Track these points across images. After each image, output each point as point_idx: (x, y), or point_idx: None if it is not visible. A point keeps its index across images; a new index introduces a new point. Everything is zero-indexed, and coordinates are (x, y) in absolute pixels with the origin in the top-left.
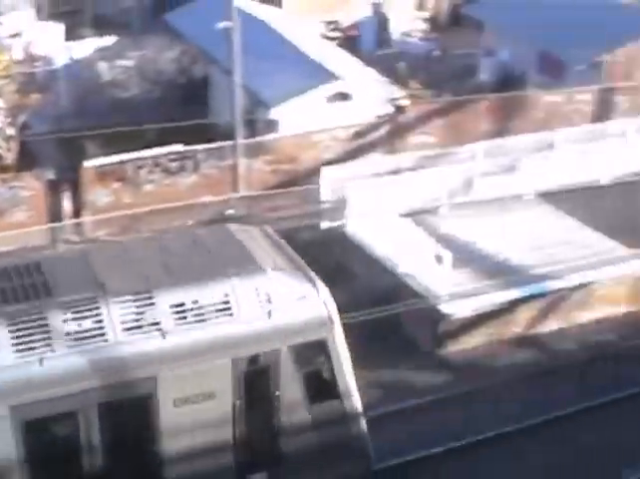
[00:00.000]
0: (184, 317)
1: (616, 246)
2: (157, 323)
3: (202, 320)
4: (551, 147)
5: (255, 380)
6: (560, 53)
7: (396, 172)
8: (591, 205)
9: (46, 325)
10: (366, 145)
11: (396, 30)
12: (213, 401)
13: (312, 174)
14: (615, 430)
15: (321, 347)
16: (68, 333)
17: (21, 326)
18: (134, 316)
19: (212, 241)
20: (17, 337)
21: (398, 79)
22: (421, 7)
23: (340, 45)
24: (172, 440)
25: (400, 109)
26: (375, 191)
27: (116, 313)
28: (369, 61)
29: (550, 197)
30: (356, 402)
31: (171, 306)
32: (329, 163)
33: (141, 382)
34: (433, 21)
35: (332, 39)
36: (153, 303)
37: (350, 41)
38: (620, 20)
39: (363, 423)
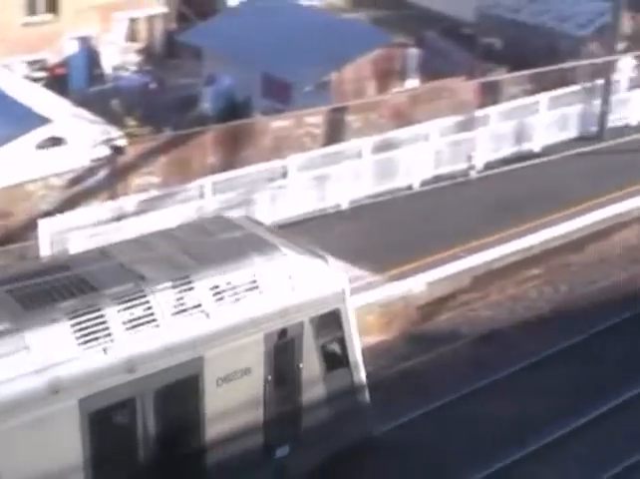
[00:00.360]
0: (221, 298)
1: (362, 274)
2: (199, 306)
3: (237, 300)
4: (285, 175)
5: (283, 354)
6: (285, 75)
7: (120, 217)
8: (332, 230)
9: (102, 316)
10: (85, 191)
11: (109, 65)
12: (249, 377)
13: (28, 228)
14: None
15: (336, 317)
16: (123, 322)
17: (81, 320)
18: (178, 301)
19: (221, 229)
20: (79, 330)
21: (113, 117)
22: (133, 38)
23: (47, 85)
24: (215, 419)
25: (118, 150)
26: (99, 239)
27: (162, 300)
28: (81, 100)
29: (290, 227)
30: (362, 369)
31: (210, 289)
32: (47, 214)
33: (190, 363)
34: (147, 52)
35: (37, 80)
36: (192, 287)
37: (58, 80)
38: (347, 36)
39: (366, 390)
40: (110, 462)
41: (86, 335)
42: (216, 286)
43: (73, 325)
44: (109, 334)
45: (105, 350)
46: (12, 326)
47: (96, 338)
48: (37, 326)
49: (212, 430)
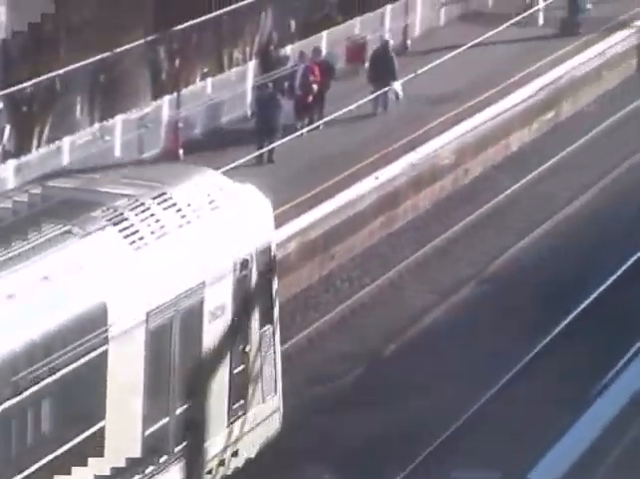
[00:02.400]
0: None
1: None
2: (189, 223)
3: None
4: None
5: (242, 286)
6: None
7: None
8: None
9: (134, 226)
10: None
11: None
12: (224, 303)
13: None
14: None
15: (269, 249)
16: (152, 233)
17: (125, 227)
18: (178, 216)
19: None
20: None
21: None
22: None
23: None
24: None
25: None
26: None
27: (164, 215)
28: None
29: None
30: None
31: (191, 209)
32: None
33: (200, 285)
34: None
35: None
36: (176, 204)
37: None
38: None
39: None
40: (162, 377)
41: (135, 243)
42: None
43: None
44: (147, 245)
45: (154, 262)
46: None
47: (145, 247)
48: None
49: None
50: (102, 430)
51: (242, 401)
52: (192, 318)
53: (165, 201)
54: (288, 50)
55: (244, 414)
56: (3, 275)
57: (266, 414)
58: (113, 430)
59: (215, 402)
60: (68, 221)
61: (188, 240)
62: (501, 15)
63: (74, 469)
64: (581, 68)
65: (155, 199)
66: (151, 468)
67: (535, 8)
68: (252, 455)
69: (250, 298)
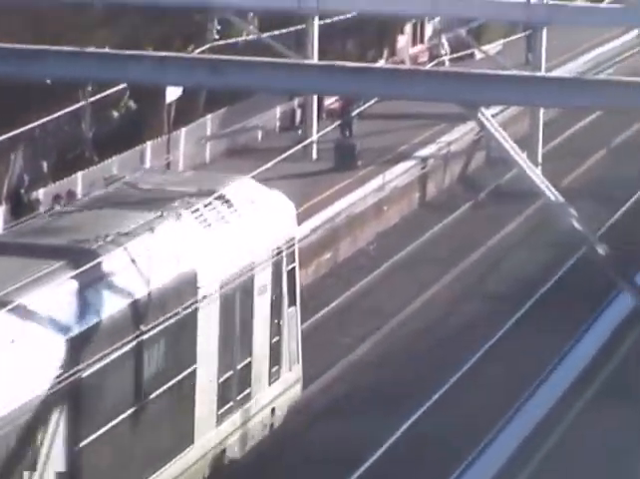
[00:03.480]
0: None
1: None
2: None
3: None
4: None
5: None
6: None
7: None
8: None
9: (203, 214)
10: None
11: None
12: (264, 290)
13: None
14: None
15: (293, 243)
16: (217, 220)
17: (198, 214)
18: (227, 210)
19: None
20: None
21: None
22: None
23: None
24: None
25: None
26: None
27: (222, 207)
28: None
29: None
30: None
31: (240, 204)
32: None
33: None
34: None
35: None
36: (229, 199)
37: None
38: None
39: None
40: (228, 337)
41: (207, 228)
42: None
43: (196, 219)
44: (215, 230)
45: (221, 243)
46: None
47: (214, 231)
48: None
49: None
50: (193, 373)
51: (277, 367)
52: (247, 291)
53: (222, 198)
54: (41, 193)
55: (278, 379)
56: (125, 247)
57: (293, 380)
58: (201, 374)
59: (261, 364)
60: (158, 209)
61: (241, 228)
62: (272, 149)
63: (177, 399)
64: (359, 204)
65: (215, 197)
66: (222, 410)
67: (309, 140)
68: (284, 414)
69: (282, 282)
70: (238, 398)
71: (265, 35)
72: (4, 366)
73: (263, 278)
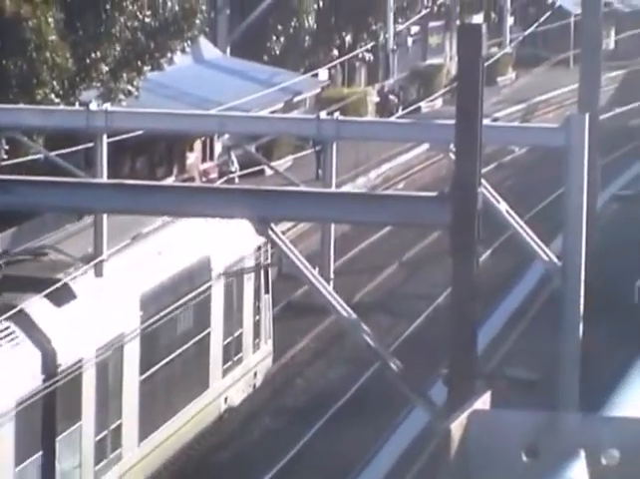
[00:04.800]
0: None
1: None
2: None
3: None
4: None
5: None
6: None
7: None
8: None
9: None
10: None
11: None
12: (249, 280)
13: None
14: None
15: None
16: None
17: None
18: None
19: None
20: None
21: None
22: None
23: None
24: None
25: None
26: None
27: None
28: None
29: None
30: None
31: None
32: None
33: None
34: None
35: None
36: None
37: None
38: None
39: None
40: (229, 309)
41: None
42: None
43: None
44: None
45: (225, 237)
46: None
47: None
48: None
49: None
50: (209, 334)
51: (258, 340)
52: (241, 276)
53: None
54: None
55: (259, 349)
56: (152, 240)
57: (267, 352)
58: (213, 337)
59: (248, 336)
60: None
61: (233, 228)
62: None
63: (199, 352)
64: None
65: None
66: (225, 366)
67: None
68: (262, 378)
69: (260, 274)
70: (235, 359)
71: (54, 154)
72: (93, 315)
73: (249, 268)
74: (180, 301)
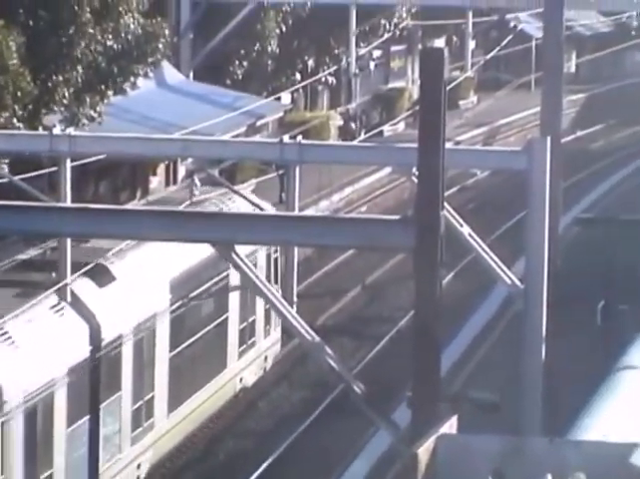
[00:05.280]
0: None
1: None
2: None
3: None
4: None
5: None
6: None
7: None
8: None
9: None
10: None
11: None
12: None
13: None
14: None
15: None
16: None
17: None
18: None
19: None
20: None
21: None
22: None
23: None
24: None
25: None
26: None
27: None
28: None
29: None
30: None
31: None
32: None
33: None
34: None
35: None
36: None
37: None
38: None
39: None
40: (244, 297)
41: None
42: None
43: None
44: None
45: None
46: None
47: None
48: None
49: None
50: (227, 319)
51: (268, 326)
52: (255, 267)
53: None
54: None
55: (269, 335)
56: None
57: (276, 339)
58: (230, 321)
59: (260, 322)
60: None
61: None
62: None
63: (219, 334)
64: None
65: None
66: (240, 349)
67: None
68: (271, 362)
69: (271, 265)
70: (249, 343)
71: (18, 178)
72: (130, 296)
73: (262, 261)
74: (203, 287)
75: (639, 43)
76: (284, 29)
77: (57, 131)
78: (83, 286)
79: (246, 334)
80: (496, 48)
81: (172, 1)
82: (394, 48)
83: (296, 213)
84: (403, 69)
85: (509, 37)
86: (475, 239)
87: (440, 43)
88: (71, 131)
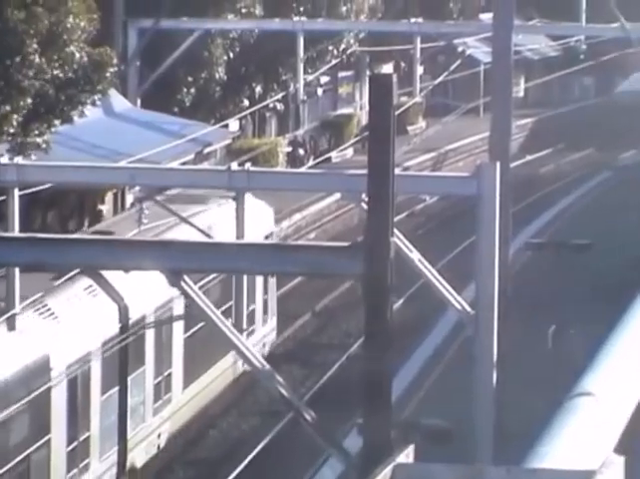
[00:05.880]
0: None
1: None
2: None
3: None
4: None
5: None
6: None
7: None
8: None
9: None
10: None
11: None
12: None
13: None
14: None
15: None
16: None
17: None
18: None
19: None
20: None
21: None
22: None
23: None
24: None
25: None
26: None
27: None
28: None
29: None
30: None
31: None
32: None
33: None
34: None
35: None
36: None
37: None
38: None
39: None
40: (249, 285)
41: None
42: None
43: None
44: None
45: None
46: None
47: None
48: None
49: None
50: (231, 306)
51: (266, 315)
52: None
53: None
54: None
55: (267, 323)
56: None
57: (272, 327)
58: (235, 307)
59: (259, 311)
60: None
61: (251, 215)
62: None
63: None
64: None
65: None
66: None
67: None
68: (268, 349)
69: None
70: (250, 329)
71: None
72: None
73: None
74: (214, 274)
75: (587, 67)
76: (231, 56)
77: (4, 160)
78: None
79: (247, 321)
80: (445, 73)
81: (119, 29)
82: (342, 74)
83: (245, 240)
84: (351, 95)
85: (458, 62)
86: (424, 265)
87: (388, 69)
88: (18, 160)
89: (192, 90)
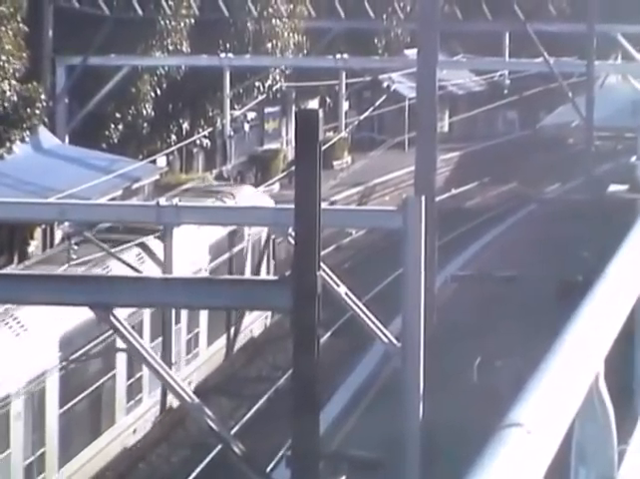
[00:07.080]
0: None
1: None
2: None
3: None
4: None
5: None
6: None
7: None
8: None
9: None
10: None
11: None
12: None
13: None
14: None
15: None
16: None
17: None
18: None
19: None
20: None
21: None
22: None
23: None
24: None
25: None
26: None
27: None
28: None
29: None
30: None
31: None
32: None
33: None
34: None
35: None
36: None
37: None
38: None
39: None
40: (253, 266)
41: None
42: None
43: None
44: None
45: None
46: None
47: None
48: None
49: None
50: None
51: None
52: (257, 246)
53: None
54: None
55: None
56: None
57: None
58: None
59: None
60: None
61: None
62: None
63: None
64: None
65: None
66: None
67: None
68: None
69: (269, 246)
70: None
71: None
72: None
73: (263, 239)
74: (230, 253)
75: (511, 101)
76: (159, 92)
77: None
78: (153, 242)
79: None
80: (370, 108)
81: (48, 66)
82: (268, 109)
83: (174, 275)
84: (277, 130)
85: (383, 97)
86: (351, 299)
87: (313, 104)
88: None
89: (120, 126)
